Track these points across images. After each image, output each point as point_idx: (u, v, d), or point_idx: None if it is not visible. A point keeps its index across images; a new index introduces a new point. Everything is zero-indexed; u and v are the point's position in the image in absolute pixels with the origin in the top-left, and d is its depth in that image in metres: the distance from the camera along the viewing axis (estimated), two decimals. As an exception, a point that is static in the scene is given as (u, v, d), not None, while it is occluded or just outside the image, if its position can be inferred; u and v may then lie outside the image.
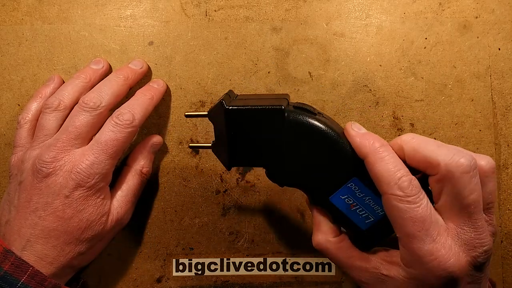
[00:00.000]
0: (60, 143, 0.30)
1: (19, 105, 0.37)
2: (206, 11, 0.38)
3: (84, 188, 0.30)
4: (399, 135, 0.37)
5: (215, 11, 0.38)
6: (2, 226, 0.31)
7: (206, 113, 0.30)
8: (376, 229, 0.28)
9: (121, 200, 0.33)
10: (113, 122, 0.31)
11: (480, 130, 0.37)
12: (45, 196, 0.30)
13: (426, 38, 0.37)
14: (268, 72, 0.37)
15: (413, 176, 0.25)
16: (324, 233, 0.29)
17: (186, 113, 0.32)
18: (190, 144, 0.34)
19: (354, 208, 0.28)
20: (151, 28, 0.37)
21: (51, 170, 0.30)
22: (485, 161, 0.25)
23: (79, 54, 0.37)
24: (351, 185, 0.27)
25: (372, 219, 0.28)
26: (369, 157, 0.26)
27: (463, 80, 0.37)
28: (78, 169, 0.30)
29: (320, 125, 0.27)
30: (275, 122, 0.27)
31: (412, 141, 0.26)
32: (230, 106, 0.27)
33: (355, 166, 0.27)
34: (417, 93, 0.37)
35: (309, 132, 0.27)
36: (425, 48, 0.37)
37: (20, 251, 0.29)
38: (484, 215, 0.25)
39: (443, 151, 0.25)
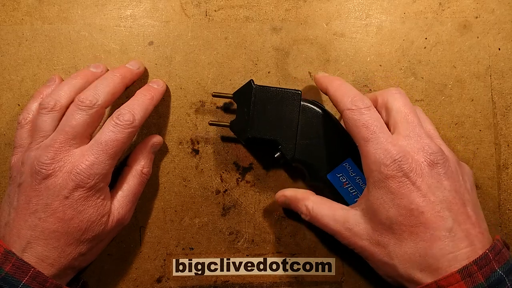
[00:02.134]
0: (58, 144, 0.30)
1: (19, 105, 0.37)
2: (206, 11, 0.38)
3: (84, 188, 0.30)
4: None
5: (215, 11, 0.38)
6: (1, 227, 0.31)
7: (231, 94, 0.34)
8: None
9: (121, 200, 0.33)
10: (113, 122, 0.31)
11: (480, 130, 0.37)
12: (45, 197, 0.30)
13: (426, 38, 0.37)
14: (268, 72, 0.37)
15: (365, 96, 0.30)
16: (305, 197, 0.33)
17: (213, 93, 0.35)
18: (210, 121, 0.35)
19: (346, 186, 0.33)
20: (151, 28, 0.37)
21: (50, 171, 0.30)
22: (416, 107, 0.32)
23: (79, 54, 0.37)
24: (346, 164, 0.33)
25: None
26: (329, 87, 0.32)
27: (463, 80, 0.37)
28: (78, 170, 0.30)
29: (326, 114, 0.33)
30: (293, 103, 0.33)
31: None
32: (257, 85, 0.33)
33: (350, 148, 0.32)
34: (417, 93, 0.37)
35: (317, 117, 0.33)
36: (425, 48, 0.37)
37: (21, 252, 0.29)
38: (426, 129, 0.30)
39: (378, 91, 0.32)
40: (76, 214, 0.30)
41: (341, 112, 0.30)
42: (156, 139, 0.35)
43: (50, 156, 0.30)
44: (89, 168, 0.30)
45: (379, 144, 0.28)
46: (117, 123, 0.31)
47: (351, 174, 0.33)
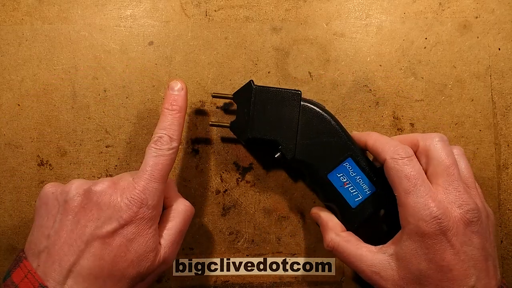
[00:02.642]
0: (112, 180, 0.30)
1: (19, 105, 0.37)
2: (206, 11, 0.38)
3: (138, 215, 0.28)
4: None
5: (215, 11, 0.38)
6: (36, 255, 0.28)
7: (231, 95, 0.35)
8: (363, 208, 0.33)
9: (168, 239, 0.31)
10: (153, 148, 0.31)
11: (480, 130, 0.37)
12: (95, 219, 0.28)
13: (426, 38, 0.37)
14: (268, 72, 0.37)
15: (406, 146, 0.30)
16: (333, 230, 0.33)
17: (213, 94, 0.35)
18: (210, 122, 0.36)
19: (347, 186, 0.33)
20: (151, 28, 0.37)
21: (105, 190, 0.28)
22: (456, 148, 0.32)
23: (79, 54, 0.37)
24: (346, 164, 0.33)
25: (360, 197, 0.33)
26: (368, 140, 0.32)
27: (463, 80, 0.37)
28: (132, 195, 0.28)
29: (326, 114, 0.33)
30: (293, 103, 0.33)
31: (396, 137, 0.33)
32: (257, 85, 0.33)
33: (350, 148, 0.33)
34: (417, 93, 0.37)
35: (317, 117, 0.33)
36: (425, 48, 0.37)
37: (60, 285, 0.26)
38: (464, 178, 0.30)
39: (418, 134, 0.32)
40: (125, 242, 0.28)
41: (383, 161, 0.30)
42: (173, 180, 0.35)
43: (106, 183, 0.29)
44: (142, 193, 0.29)
45: (420, 198, 0.28)
46: (157, 149, 0.31)
47: (352, 174, 0.33)
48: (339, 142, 0.33)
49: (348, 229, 0.33)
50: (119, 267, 0.28)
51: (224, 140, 0.37)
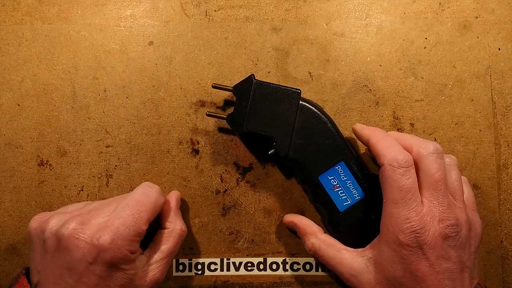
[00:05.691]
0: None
1: (19, 105, 0.37)
2: (206, 11, 0.38)
3: (106, 258, 0.29)
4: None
5: (215, 11, 0.38)
6: (34, 285, 0.30)
7: (231, 88, 0.34)
8: (350, 213, 0.33)
9: (159, 262, 0.32)
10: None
11: (480, 130, 0.37)
12: (68, 262, 0.28)
13: (426, 38, 0.37)
14: (268, 72, 0.37)
15: (408, 153, 0.30)
16: (313, 234, 0.34)
17: (213, 84, 0.35)
18: (207, 112, 0.35)
19: (337, 189, 0.33)
20: (151, 28, 0.37)
21: (73, 235, 0.29)
22: (449, 157, 0.32)
23: (79, 54, 0.37)
24: (338, 167, 0.33)
25: (349, 202, 0.33)
26: (371, 138, 0.32)
27: (463, 80, 0.37)
28: (105, 238, 0.29)
29: (323, 116, 0.33)
30: (292, 101, 0.33)
31: (393, 134, 0.33)
32: (258, 80, 0.33)
33: (344, 152, 0.33)
34: (417, 93, 0.37)
35: (314, 117, 0.33)
36: (425, 48, 0.37)
37: None
38: (452, 198, 0.30)
39: (415, 139, 0.31)
40: (102, 281, 0.28)
41: (381, 164, 0.30)
42: (177, 194, 0.36)
43: (73, 224, 0.29)
44: (115, 235, 0.29)
45: (404, 211, 0.28)
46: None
47: (343, 178, 0.33)
48: (334, 145, 0.33)
49: (333, 232, 0.34)
50: None
51: (224, 140, 0.37)
